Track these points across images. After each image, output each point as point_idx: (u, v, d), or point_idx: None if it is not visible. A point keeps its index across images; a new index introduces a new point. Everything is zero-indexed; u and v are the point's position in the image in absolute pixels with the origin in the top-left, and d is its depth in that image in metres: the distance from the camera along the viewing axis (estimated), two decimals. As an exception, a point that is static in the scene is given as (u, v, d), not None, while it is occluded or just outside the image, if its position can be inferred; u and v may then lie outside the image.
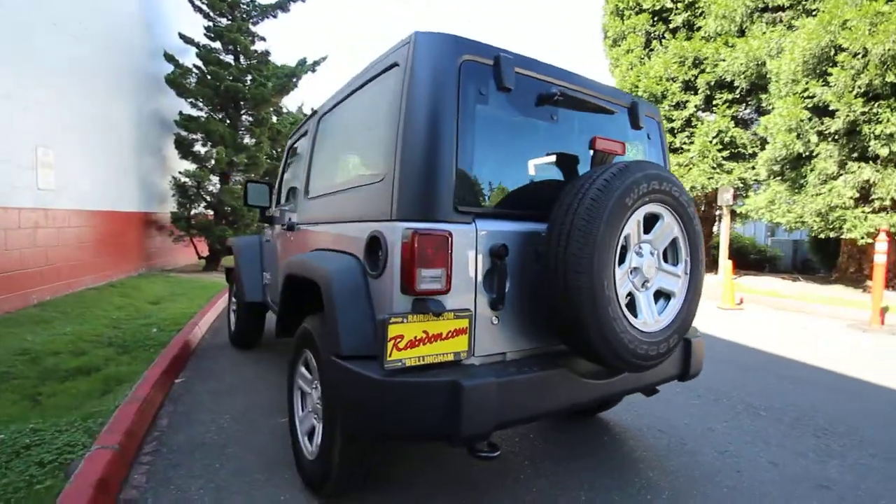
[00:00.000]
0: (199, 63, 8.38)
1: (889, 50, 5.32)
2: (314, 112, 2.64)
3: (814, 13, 6.56)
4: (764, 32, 7.40)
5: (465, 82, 1.59)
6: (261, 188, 3.25)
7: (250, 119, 8.64)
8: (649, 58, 9.72)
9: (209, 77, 8.30)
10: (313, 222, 2.30)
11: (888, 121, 5.63)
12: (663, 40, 9.52)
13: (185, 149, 8.42)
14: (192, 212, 8.61)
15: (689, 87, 8.97)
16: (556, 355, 1.76)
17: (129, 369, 3.19)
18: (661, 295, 1.74)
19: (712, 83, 8.62)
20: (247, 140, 8.65)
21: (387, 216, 1.54)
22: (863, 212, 6.29)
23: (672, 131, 9.22)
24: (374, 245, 1.59)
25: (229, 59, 8.74)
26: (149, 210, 8.04)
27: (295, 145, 3.18)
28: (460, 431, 1.36)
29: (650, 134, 2.23)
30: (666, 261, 1.75)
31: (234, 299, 4.31)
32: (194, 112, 8.69)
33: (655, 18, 9.45)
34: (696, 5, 8.66)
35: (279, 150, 9.97)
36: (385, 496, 1.91)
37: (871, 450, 2.47)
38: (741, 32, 8.08)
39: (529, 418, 1.57)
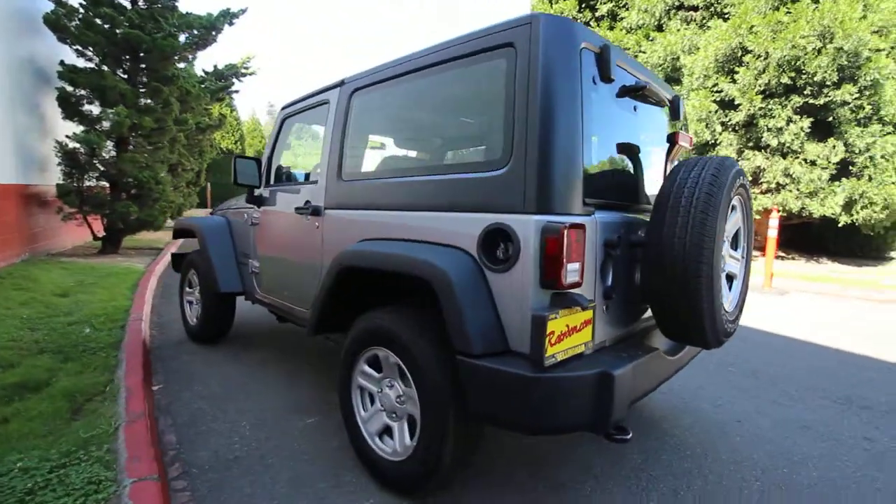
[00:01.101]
0: (87, 2, 6.85)
1: (786, 55, 6.28)
2: (339, 83, 2.36)
3: (725, 16, 7.47)
4: (679, 29, 8.24)
5: (584, 70, 1.56)
6: (250, 165, 2.84)
7: (153, 76, 7.32)
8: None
9: (100, 20, 6.84)
10: (357, 207, 2.10)
11: (779, 116, 6.70)
12: (589, 27, 10.07)
13: (71, 107, 6.91)
14: (85, 184, 7.20)
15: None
16: (638, 336, 1.88)
17: (88, 380, 2.67)
18: (730, 278, 1.93)
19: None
20: (150, 101, 7.34)
21: (515, 208, 1.48)
22: (753, 193, 7.50)
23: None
24: (496, 238, 1.52)
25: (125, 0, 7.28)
26: (27, 182, 6.55)
27: (297, 119, 2.82)
28: (611, 419, 1.40)
29: (685, 126, 2.40)
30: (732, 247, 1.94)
31: (188, 289, 3.79)
32: (81, 63, 7.14)
33: (582, 5, 9.93)
34: (622, -3, 9.30)
35: (190, 115, 8.66)
36: (471, 483, 1.90)
37: (820, 393, 3.05)
38: (659, 27, 8.87)
39: (638, 399, 1.67)
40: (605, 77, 1.64)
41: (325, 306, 2.11)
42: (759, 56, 6.65)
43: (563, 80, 1.47)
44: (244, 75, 11.47)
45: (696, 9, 8.28)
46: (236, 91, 11.56)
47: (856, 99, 6.27)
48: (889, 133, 6.68)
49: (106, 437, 2.01)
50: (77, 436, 2.03)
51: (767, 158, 7.19)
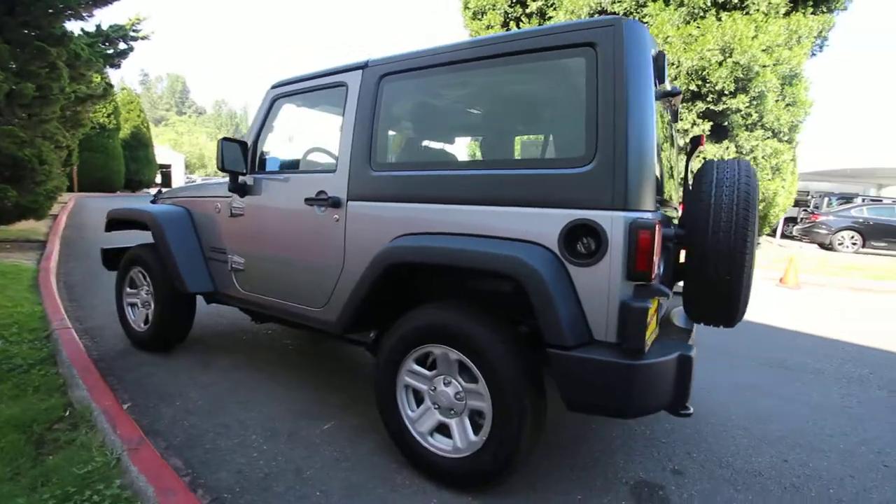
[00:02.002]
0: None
1: (694, 65, 7.17)
2: (360, 66, 2.19)
3: (645, 24, 8.23)
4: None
5: (655, 73, 1.65)
6: (235, 149, 2.50)
7: (37, 34, 6.00)
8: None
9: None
10: (396, 199, 2.00)
11: (686, 118, 7.64)
12: (520, 22, 10.43)
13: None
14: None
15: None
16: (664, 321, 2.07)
17: (36, 406, 2.22)
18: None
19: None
20: (33, 65, 5.99)
21: (603, 204, 1.53)
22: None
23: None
24: (579, 233, 1.57)
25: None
26: None
27: (294, 100, 2.55)
28: (688, 397, 1.55)
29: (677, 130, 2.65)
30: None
31: (130, 289, 3.27)
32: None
33: (514, 0, 10.24)
34: (551, -4, 9.76)
35: (81, 83, 7.26)
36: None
37: (812, 373, 3.61)
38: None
39: None
40: (661, 80, 1.76)
41: (364, 303, 1.99)
42: (673, 64, 7.50)
43: (644, 82, 1.55)
44: (133, 39, 9.94)
45: (615, 14, 9.03)
46: (124, 56, 9.99)
47: (747, 107, 7.43)
48: (769, 138, 8.02)
49: (110, 471, 1.70)
50: (67, 473, 1.68)
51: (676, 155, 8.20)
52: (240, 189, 2.63)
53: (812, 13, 7.61)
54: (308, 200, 2.30)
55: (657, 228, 1.47)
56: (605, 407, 1.52)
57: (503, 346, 1.68)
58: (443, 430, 1.89)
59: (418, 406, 1.95)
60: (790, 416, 2.65)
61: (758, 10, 7.20)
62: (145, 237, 3.10)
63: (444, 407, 1.86)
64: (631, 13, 8.52)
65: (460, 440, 1.81)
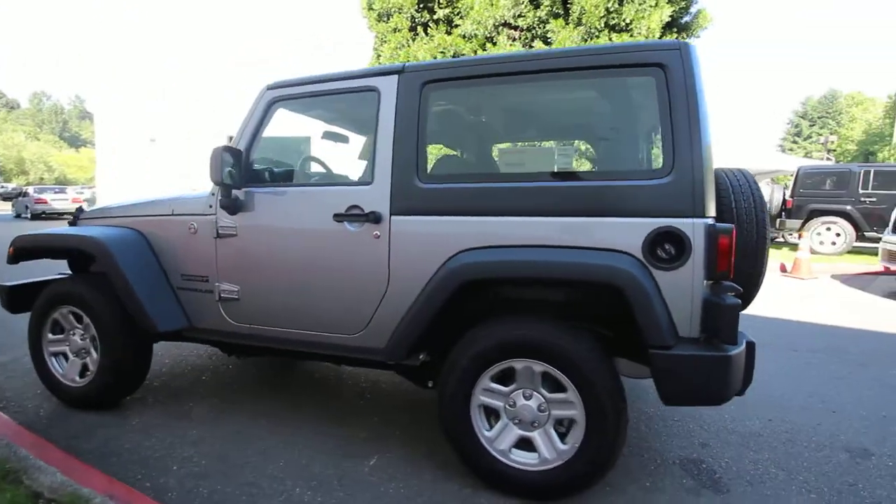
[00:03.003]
0: None
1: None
2: (395, 70, 2.03)
3: (548, 40, 8.98)
4: (509, 45, 9.48)
5: (700, 92, 1.85)
6: (231, 159, 2.10)
7: None
8: (413, 41, 10.57)
9: None
10: (453, 213, 1.92)
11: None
12: (428, 28, 10.52)
13: None
14: None
15: (450, 76, 10.39)
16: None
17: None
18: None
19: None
20: None
21: (685, 213, 1.66)
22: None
23: (438, 113, 10.52)
24: (663, 239, 1.68)
25: None
26: None
27: (300, 105, 2.25)
28: (751, 379, 1.77)
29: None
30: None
31: (53, 336, 2.60)
32: None
33: (421, 5, 10.29)
34: (457, 5, 10.02)
35: None
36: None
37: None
38: (491, 40, 9.98)
39: None
40: None
41: (431, 324, 1.87)
42: (575, 77, 8.36)
43: (704, 100, 1.73)
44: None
45: (519, 29, 9.70)
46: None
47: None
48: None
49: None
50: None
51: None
52: (231, 206, 2.25)
53: (676, 37, 9.14)
54: (337, 216, 2.07)
55: (734, 233, 1.66)
56: (704, 397, 1.66)
57: (594, 353, 1.73)
58: (520, 444, 1.88)
59: (491, 424, 1.90)
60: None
61: (640, 33, 8.38)
62: (55, 269, 2.49)
63: (527, 421, 1.84)
64: (533, 28, 9.22)
65: (547, 451, 1.81)
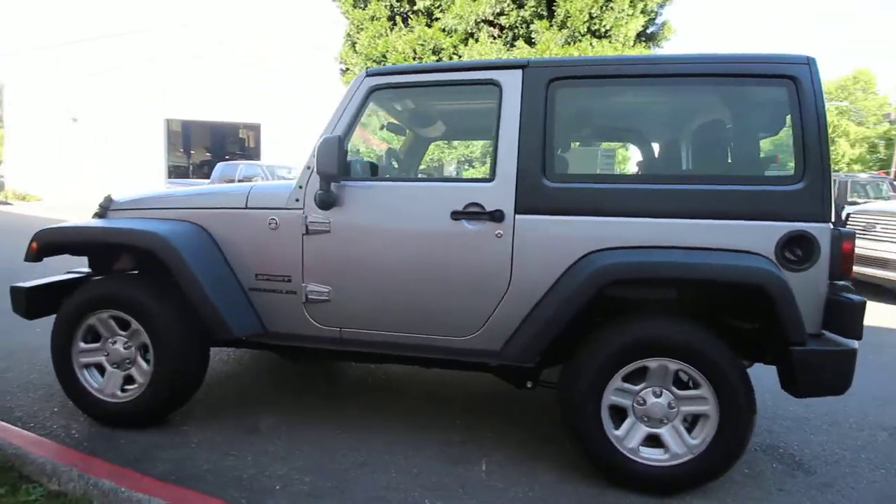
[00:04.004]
0: None
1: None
2: (518, 65, 1.97)
3: (531, 40, 9.09)
4: (491, 42, 9.50)
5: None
6: (333, 148, 1.90)
7: None
8: (392, 31, 10.27)
9: None
10: (584, 213, 1.91)
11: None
12: (408, 19, 10.26)
13: None
14: None
15: (429, 70, 10.22)
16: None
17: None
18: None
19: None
20: None
21: (815, 217, 1.78)
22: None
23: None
24: (797, 242, 1.80)
25: None
26: None
27: (405, 95, 2.11)
28: None
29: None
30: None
31: (85, 345, 2.26)
32: None
33: (401, -4, 10.01)
34: (439, -2, 9.88)
35: None
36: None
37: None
38: (472, 36, 9.93)
39: None
40: None
41: (566, 325, 1.85)
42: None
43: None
44: None
45: (501, 27, 9.76)
46: None
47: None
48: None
49: None
50: None
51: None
52: (325, 201, 2.08)
53: (645, 46, 9.74)
54: (456, 214, 1.98)
55: (854, 237, 1.81)
56: (831, 388, 1.79)
57: (727, 351, 1.81)
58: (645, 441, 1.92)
59: (617, 423, 1.93)
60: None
61: (618, 39, 8.78)
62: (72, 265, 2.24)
63: (656, 418, 1.89)
64: (516, 27, 9.32)
65: (677, 446, 1.87)
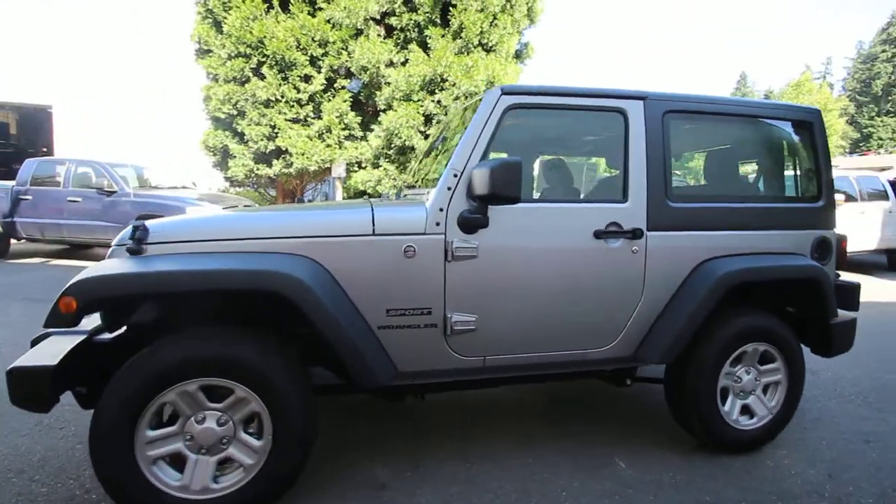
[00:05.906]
0: None
1: (470, 89, 8.77)
2: (638, 96, 2.17)
3: (426, 44, 9.10)
4: (382, 41, 9.21)
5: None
6: (515, 171, 1.77)
7: None
8: (267, 13, 9.09)
9: None
10: (692, 229, 2.26)
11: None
12: (289, 4, 9.17)
13: None
14: None
15: (314, 63, 9.40)
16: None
17: None
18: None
19: (336, 67, 9.61)
20: None
21: (830, 226, 2.49)
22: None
23: (299, 102, 9.42)
24: (821, 244, 2.47)
25: None
26: None
27: (538, 116, 2.08)
28: None
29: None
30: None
31: (152, 432, 1.69)
32: None
33: (278, -20, 8.89)
34: (323, -12, 9.08)
35: None
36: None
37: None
38: (361, 32, 9.45)
39: None
40: None
41: (698, 328, 2.17)
42: (454, 84, 8.89)
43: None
44: None
45: (390, 27, 9.56)
46: None
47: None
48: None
49: None
50: None
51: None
52: (471, 224, 1.96)
53: (519, 62, 10.92)
54: (598, 233, 2.11)
55: (846, 238, 2.57)
56: (847, 347, 2.51)
57: (793, 335, 2.39)
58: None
59: (728, 399, 2.34)
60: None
61: (501, 54, 9.56)
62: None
63: (747, 391, 2.37)
64: (408, 29, 9.30)
65: (760, 411, 2.39)
